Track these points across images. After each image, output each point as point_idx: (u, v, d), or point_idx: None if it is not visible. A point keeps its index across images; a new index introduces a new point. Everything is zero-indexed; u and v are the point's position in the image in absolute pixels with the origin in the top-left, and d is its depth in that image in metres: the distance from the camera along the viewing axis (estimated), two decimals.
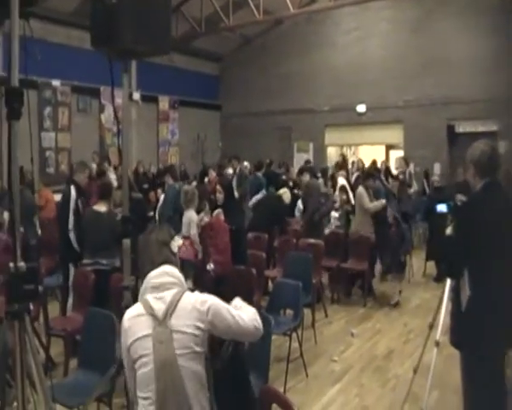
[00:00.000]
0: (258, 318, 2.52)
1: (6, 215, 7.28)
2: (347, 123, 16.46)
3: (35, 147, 10.78)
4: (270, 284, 7.43)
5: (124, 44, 3.17)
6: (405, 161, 12.67)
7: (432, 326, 4.27)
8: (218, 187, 7.86)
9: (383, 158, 16.18)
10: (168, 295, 2.43)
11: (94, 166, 11.39)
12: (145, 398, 2.38)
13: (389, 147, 17.38)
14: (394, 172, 12.75)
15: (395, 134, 15.90)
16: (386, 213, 8.20)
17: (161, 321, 2.38)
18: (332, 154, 17.78)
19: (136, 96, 15.10)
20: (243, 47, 18.43)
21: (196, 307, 2.42)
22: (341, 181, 10.52)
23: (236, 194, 8.42)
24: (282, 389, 4.71)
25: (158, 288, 2.47)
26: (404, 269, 8.17)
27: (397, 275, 7.80)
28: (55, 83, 13.22)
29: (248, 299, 5.60)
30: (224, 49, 18.49)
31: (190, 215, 6.91)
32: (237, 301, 2.63)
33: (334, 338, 6.58)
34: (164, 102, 16.93)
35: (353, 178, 11.49)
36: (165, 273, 2.50)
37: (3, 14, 2.80)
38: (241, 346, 2.67)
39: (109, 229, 5.83)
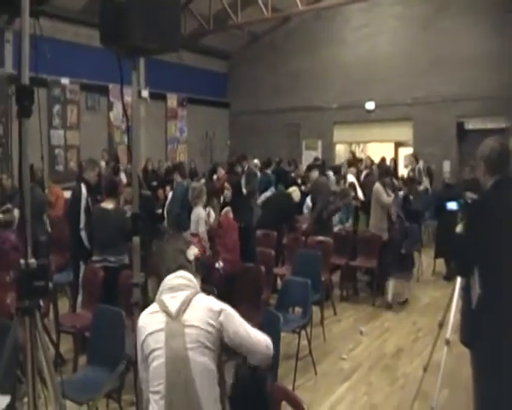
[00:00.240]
0: (269, 340, 2.58)
1: (16, 212, 7.32)
2: (356, 120, 16.41)
3: (44, 145, 10.82)
4: (278, 281, 7.43)
5: (133, 42, 3.17)
6: (415, 157, 12.63)
7: (442, 325, 4.25)
8: (226, 184, 7.87)
9: (392, 155, 16.14)
10: (182, 294, 2.50)
11: (103, 163, 11.42)
12: (156, 392, 2.40)
13: (398, 144, 17.30)
14: (403, 170, 12.72)
15: (404, 131, 15.82)
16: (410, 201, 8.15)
17: (174, 317, 2.44)
18: (341, 151, 17.72)
19: (145, 93, 15.12)
20: (251, 44, 18.41)
21: (209, 306, 2.48)
22: (350, 178, 10.49)
23: (245, 191, 8.41)
24: (290, 387, 4.71)
25: (173, 288, 2.54)
26: (411, 268, 8.01)
27: (401, 274, 7.61)
28: (64, 81, 13.27)
29: (257, 296, 5.65)
30: (233, 47, 18.48)
31: (199, 212, 6.92)
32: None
33: (343, 336, 6.57)
34: (172, 100, 16.95)
35: (363, 176, 11.45)
36: (180, 276, 2.58)
37: (14, 12, 2.82)
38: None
39: (117, 226, 5.85)
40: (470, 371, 3.37)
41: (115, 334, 4.16)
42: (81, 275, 6.23)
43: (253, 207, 8.38)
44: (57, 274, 7.13)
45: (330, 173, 11.36)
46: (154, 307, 2.55)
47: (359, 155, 16.76)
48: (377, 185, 8.15)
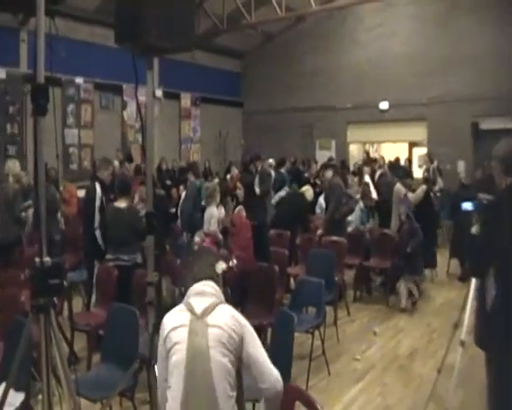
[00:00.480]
0: (280, 377, 2.57)
1: (30, 211, 7.37)
2: (370, 120, 16.32)
3: (58, 144, 10.89)
4: (292, 281, 7.41)
5: (148, 41, 3.16)
6: (429, 157, 12.54)
7: (457, 326, 4.21)
8: (238, 184, 7.88)
9: (406, 156, 16.04)
10: (208, 300, 2.57)
11: (117, 163, 11.47)
12: (173, 386, 2.45)
13: (412, 144, 17.18)
14: (418, 171, 12.64)
15: (418, 131, 15.71)
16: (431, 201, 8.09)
17: (199, 316, 2.50)
18: (354, 151, 17.65)
19: (159, 92, 15.16)
20: (265, 44, 18.39)
21: (235, 315, 2.56)
22: (366, 178, 10.49)
23: (258, 190, 8.41)
24: (303, 387, 4.69)
25: (200, 293, 2.61)
26: (422, 269, 7.87)
27: (410, 275, 7.48)
28: (78, 80, 13.35)
29: (271, 296, 5.64)
30: (246, 46, 18.47)
31: (212, 211, 6.94)
32: None
33: (357, 337, 6.54)
34: (186, 99, 16.98)
35: (377, 176, 11.41)
36: (207, 285, 2.65)
37: (30, 12, 2.83)
38: None
39: (129, 225, 5.88)
40: (485, 372, 3.34)
41: (129, 333, 4.17)
42: (95, 274, 6.26)
43: (266, 207, 8.38)
44: (71, 273, 7.19)
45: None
46: (180, 307, 2.62)
47: (373, 155, 16.68)
48: (398, 185, 8.08)
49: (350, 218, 9.15)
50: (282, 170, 11.56)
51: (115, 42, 3.26)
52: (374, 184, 10.20)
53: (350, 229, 8.82)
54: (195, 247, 7.22)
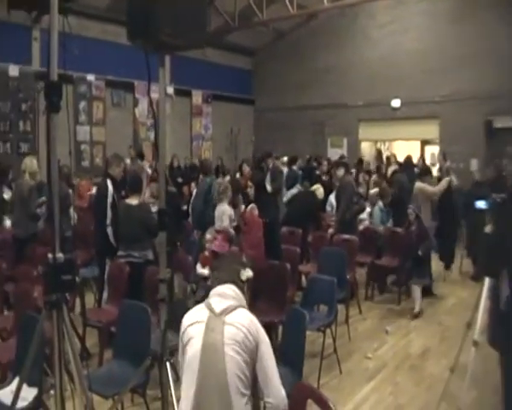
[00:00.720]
0: (286, 399, 2.59)
1: (44, 207, 7.41)
2: (382, 118, 16.21)
3: (70, 140, 10.92)
4: (303, 279, 7.40)
5: (161, 38, 3.16)
6: (443, 156, 12.45)
7: (469, 325, 4.18)
8: (249, 182, 7.87)
9: (418, 153, 15.93)
10: (229, 302, 2.62)
11: (128, 161, 11.52)
12: (188, 379, 2.49)
13: (424, 142, 17.07)
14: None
15: (431, 129, 15.58)
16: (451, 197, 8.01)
17: (217, 315, 2.55)
18: (366, 149, 17.57)
19: (170, 90, 15.17)
20: (277, 41, 18.34)
21: (253, 320, 2.59)
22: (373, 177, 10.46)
23: (269, 188, 8.39)
24: (315, 386, 4.68)
25: (221, 295, 2.66)
26: (429, 275, 7.70)
27: (418, 280, 7.29)
28: (90, 77, 13.40)
29: (282, 294, 5.63)
30: (258, 44, 18.44)
31: (223, 209, 6.94)
32: None
33: (368, 335, 6.52)
34: (197, 97, 16.98)
35: (389, 173, 11.37)
36: (229, 288, 2.70)
37: (43, 9, 2.84)
38: None
39: (141, 222, 5.91)
40: (498, 372, 3.31)
41: (141, 329, 4.18)
42: (106, 271, 6.28)
43: (278, 205, 8.36)
44: (83, 269, 7.22)
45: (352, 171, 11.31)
46: (200, 305, 2.68)
47: (385, 152, 16.60)
48: (418, 183, 8.01)
49: (362, 216, 9.13)
50: (294, 167, 11.54)
51: (128, 39, 3.26)
52: (386, 181, 10.14)
53: (362, 227, 8.79)
54: (206, 244, 7.24)
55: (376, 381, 5.27)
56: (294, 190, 9.34)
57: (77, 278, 2.85)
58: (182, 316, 2.79)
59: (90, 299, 6.79)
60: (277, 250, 6.56)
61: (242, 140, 18.19)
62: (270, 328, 2.70)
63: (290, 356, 3.93)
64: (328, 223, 9.30)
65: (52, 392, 4.18)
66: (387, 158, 14.37)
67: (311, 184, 10.37)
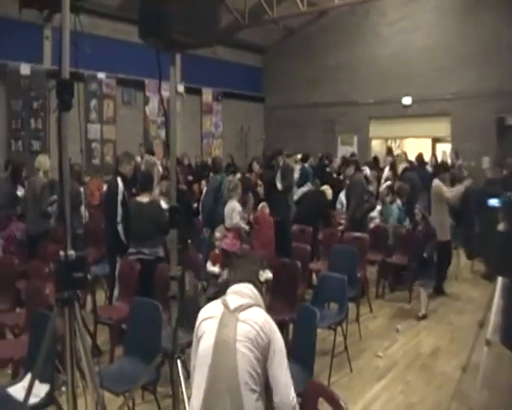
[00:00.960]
0: (295, 401, 2.58)
1: (55, 205, 7.46)
2: (392, 116, 16.17)
3: (81, 138, 10.96)
4: (314, 276, 7.38)
5: (172, 36, 3.16)
6: (456, 153, 12.37)
7: (482, 324, 4.15)
8: (259, 181, 7.86)
9: (429, 151, 15.82)
10: (244, 300, 2.62)
11: (139, 159, 11.54)
12: (199, 374, 2.51)
13: (435, 140, 16.98)
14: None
15: (442, 127, 15.51)
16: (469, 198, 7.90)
17: (231, 311, 2.56)
18: (376, 147, 17.51)
19: (180, 88, 15.20)
20: (287, 39, 18.32)
21: (268, 319, 2.58)
22: (386, 171, 10.41)
23: (280, 186, 8.38)
24: (325, 384, 4.66)
25: (237, 293, 2.67)
26: (434, 277, 7.40)
27: (423, 281, 7.15)
28: (101, 76, 13.45)
29: (293, 291, 5.62)
30: (268, 41, 18.43)
31: (233, 206, 6.93)
32: None
33: (379, 334, 6.49)
34: (207, 95, 17.01)
35: (399, 171, 11.30)
36: (246, 287, 2.70)
37: (54, 8, 2.85)
38: None
39: (151, 219, 5.93)
40: (511, 371, 3.28)
41: (152, 326, 4.19)
42: (117, 268, 6.30)
43: (289, 203, 8.34)
44: (94, 266, 7.25)
45: (366, 169, 11.26)
46: (216, 301, 2.69)
47: (395, 150, 16.51)
48: (436, 181, 7.91)
49: (372, 214, 9.09)
50: (306, 165, 11.55)
51: (139, 37, 3.26)
52: (397, 179, 10.08)
53: (372, 225, 8.75)
54: (216, 242, 7.24)
55: (387, 380, 5.24)
56: (305, 188, 9.32)
57: (88, 276, 2.85)
58: (193, 313, 2.80)
59: (100, 296, 6.82)
60: (288, 248, 6.56)
61: (253, 138, 18.19)
62: (281, 326, 2.69)
63: (301, 354, 3.93)
64: (338, 221, 9.29)
65: (63, 389, 4.21)
66: (397, 156, 14.29)
67: (323, 182, 10.36)
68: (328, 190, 9.63)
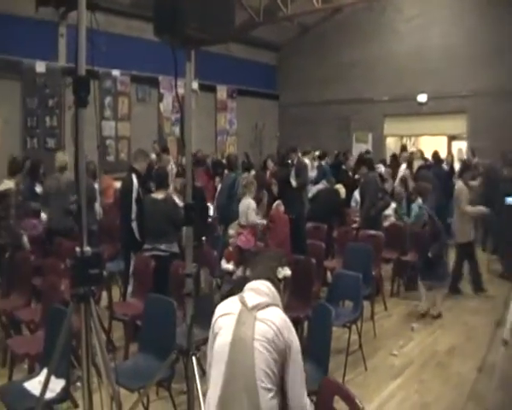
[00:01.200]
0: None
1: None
2: (408, 113, 16.04)
3: (96, 135, 10.99)
4: (328, 274, 7.36)
5: (187, 33, 3.16)
6: (472, 151, 12.26)
7: (499, 324, 4.11)
8: (273, 180, 7.84)
9: (445, 149, 15.69)
10: (262, 298, 2.58)
11: (153, 156, 11.58)
12: (215, 371, 2.48)
13: (451, 138, 16.82)
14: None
15: (458, 124, 15.35)
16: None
17: (249, 309, 2.52)
18: (391, 144, 17.40)
19: (195, 85, 15.19)
20: (301, 36, 18.24)
21: (286, 320, 2.53)
22: (403, 168, 10.35)
23: (294, 183, 8.36)
24: (340, 382, 4.65)
25: (255, 290, 2.63)
26: (444, 276, 7.21)
27: (429, 281, 7.00)
28: (115, 73, 13.47)
29: (308, 289, 5.60)
30: (282, 39, 18.36)
31: (248, 203, 6.92)
32: None
33: (394, 332, 6.45)
34: (222, 92, 16.99)
35: (415, 169, 11.25)
36: (264, 284, 2.66)
37: (71, 5, 2.86)
38: None
39: (166, 215, 5.96)
40: None
41: (166, 323, 4.20)
42: (132, 264, 6.33)
43: (303, 200, 8.32)
44: (108, 263, 7.28)
45: (381, 166, 11.19)
46: (233, 298, 2.65)
47: (410, 148, 16.39)
48: (460, 185, 7.79)
49: (387, 212, 9.03)
50: (323, 162, 11.53)
51: (154, 34, 3.26)
52: (413, 178, 10.02)
53: (387, 223, 8.69)
54: (230, 239, 7.24)
55: (402, 378, 5.21)
56: (320, 186, 9.30)
57: (104, 272, 2.86)
58: (208, 311, 2.79)
59: (115, 293, 6.85)
60: (303, 246, 6.53)
61: (267, 135, 18.16)
62: (296, 323, 2.66)
63: (316, 352, 3.91)
64: (352, 219, 9.25)
65: (78, 384, 4.25)
66: (412, 153, 14.19)
67: (338, 180, 10.32)
68: (341, 188, 9.59)
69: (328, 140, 16.37)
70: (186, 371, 3.43)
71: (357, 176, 10.06)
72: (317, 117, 17.43)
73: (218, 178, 10.88)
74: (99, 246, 6.64)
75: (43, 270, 5.95)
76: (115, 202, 9.41)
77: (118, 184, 8.65)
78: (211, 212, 9.07)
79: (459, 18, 14.86)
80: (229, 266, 6.79)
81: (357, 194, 9.62)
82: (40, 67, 11.67)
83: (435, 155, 11.93)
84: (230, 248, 7.03)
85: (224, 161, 12.34)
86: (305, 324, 5.09)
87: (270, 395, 2.42)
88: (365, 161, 9.19)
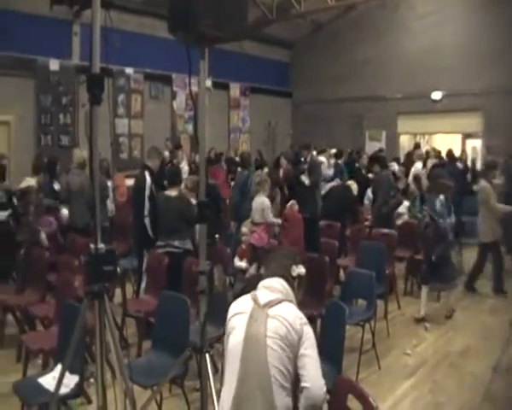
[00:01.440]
0: (325, 388, 2.52)
1: None
2: (421, 111, 15.93)
3: (110, 133, 11.02)
4: (341, 272, 7.32)
5: (201, 29, 3.15)
6: (487, 150, 12.15)
7: None
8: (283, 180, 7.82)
9: (459, 147, 15.56)
10: (274, 295, 2.59)
11: (167, 153, 11.61)
12: (229, 369, 2.50)
13: (466, 136, 16.68)
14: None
15: (473, 122, 15.22)
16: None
17: (261, 306, 2.54)
18: (405, 142, 17.29)
19: (208, 83, 15.19)
20: (315, 33, 18.17)
21: (298, 314, 2.56)
22: (418, 166, 10.29)
23: (307, 182, 8.33)
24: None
25: (267, 288, 2.64)
26: (451, 276, 7.00)
27: (435, 283, 6.88)
28: (129, 71, 13.52)
29: (321, 287, 5.58)
30: (295, 36, 18.31)
31: (262, 201, 6.91)
32: None
33: (408, 331, 6.41)
34: (235, 89, 16.99)
35: (428, 167, 11.16)
36: (277, 281, 2.67)
37: (85, 3, 2.87)
38: None
39: (179, 212, 5.98)
40: None
41: (180, 321, 4.20)
42: (145, 261, 6.35)
43: (316, 199, 8.29)
44: (121, 260, 7.30)
45: (395, 165, 11.13)
46: (246, 296, 2.67)
47: (424, 146, 16.27)
48: (484, 184, 7.71)
49: (400, 210, 8.98)
50: (340, 161, 11.51)
51: (168, 32, 3.26)
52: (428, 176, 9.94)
53: (400, 221, 8.64)
54: (243, 237, 7.24)
55: (416, 378, 5.17)
56: (333, 183, 9.28)
57: (118, 269, 2.87)
58: (221, 308, 2.79)
59: (128, 290, 6.86)
60: (317, 244, 6.50)
61: (280, 133, 18.13)
62: (309, 321, 2.64)
63: (329, 350, 3.89)
64: (365, 217, 9.21)
65: (92, 380, 4.28)
66: (427, 152, 14.09)
67: (351, 178, 10.28)
68: (353, 184, 9.53)
69: (341, 138, 16.30)
70: (199, 369, 3.43)
71: (370, 175, 10.02)
72: (330, 115, 17.38)
73: (230, 176, 10.89)
74: (111, 243, 6.69)
75: (58, 266, 5.98)
76: (128, 199, 9.45)
77: (130, 182, 8.68)
78: None
79: (473, 15, 14.74)
80: (242, 264, 6.80)
81: (370, 192, 9.57)
82: (54, 65, 11.74)
83: (449, 153, 11.84)
84: (243, 246, 7.02)
85: (238, 158, 12.36)
86: (318, 322, 5.07)
87: (285, 393, 2.41)
88: (378, 159, 9.15)
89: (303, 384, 2.45)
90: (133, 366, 3.36)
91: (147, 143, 12.99)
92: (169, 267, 5.73)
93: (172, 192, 6.23)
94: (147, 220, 6.35)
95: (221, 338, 3.67)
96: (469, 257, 8.56)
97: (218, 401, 2.62)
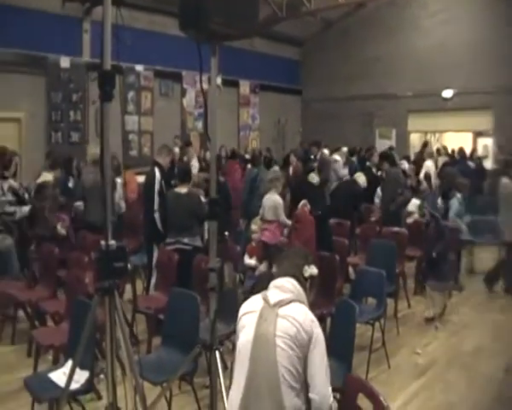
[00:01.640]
0: (331, 398, 2.52)
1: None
2: (432, 109, 15.85)
3: (119, 130, 11.06)
4: (350, 270, 7.29)
5: (212, 27, 3.15)
6: (499, 148, 12.07)
7: None
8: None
9: (470, 145, 15.46)
10: (285, 295, 2.57)
11: (176, 150, 11.62)
12: (239, 368, 2.49)
13: (477, 134, 16.57)
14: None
15: (484, 121, 15.13)
16: None
17: (271, 306, 2.52)
18: (415, 141, 17.21)
19: (218, 80, 15.13)
20: (325, 31, 18.12)
21: (309, 315, 2.52)
22: (427, 166, 10.22)
23: (317, 179, 8.30)
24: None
25: (278, 287, 2.62)
26: (451, 276, 7.08)
27: (435, 283, 6.78)
28: (139, 68, 13.54)
29: (331, 286, 5.56)
30: (306, 34, 18.27)
31: (275, 199, 6.88)
32: None
33: (418, 330, 6.37)
34: (245, 87, 16.97)
35: (439, 165, 11.11)
36: (288, 281, 2.64)
37: (95, 1, 2.88)
38: None
39: (189, 209, 6.00)
40: None
41: (190, 318, 4.20)
42: (155, 258, 6.36)
43: (325, 196, 8.25)
44: (131, 256, 7.32)
45: (405, 163, 11.08)
46: (257, 295, 2.65)
47: (435, 144, 16.19)
48: (506, 182, 7.61)
49: (410, 209, 8.92)
50: (353, 159, 11.49)
51: (179, 29, 3.25)
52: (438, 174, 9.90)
53: (411, 220, 8.58)
54: (252, 235, 7.22)
55: (426, 377, 5.13)
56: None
57: (128, 266, 2.87)
58: (231, 306, 2.78)
59: (138, 286, 6.89)
60: (329, 243, 6.45)
61: (290, 130, 18.12)
62: (319, 320, 2.62)
63: (339, 349, 3.88)
64: (372, 213, 9.15)
65: (102, 376, 4.29)
66: (438, 150, 14.02)
67: None
68: (360, 176, 9.40)
69: (351, 136, 16.25)
70: (209, 366, 3.43)
71: (380, 173, 9.98)
72: (340, 113, 17.34)
73: None
74: (121, 239, 6.71)
75: (68, 262, 6.01)
76: (138, 196, 9.46)
77: (141, 179, 8.69)
78: None
79: (484, 13, 14.65)
80: (252, 262, 6.78)
81: (379, 190, 9.52)
82: (65, 62, 11.79)
83: (461, 151, 11.77)
84: (253, 244, 7.01)
85: (248, 156, 12.36)
86: (328, 320, 5.05)
87: (294, 393, 2.40)
88: (387, 156, 9.11)
89: (311, 395, 2.45)
90: (143, 362, 3.36)
91: (156, 140, 13.03)
92: (179, 264, 5.74)
93: (182, 189, 6.24)
94: (157, 215, 6.36)
95: (231, 335, 3.67)
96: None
97: (228, 398, 2.62)
